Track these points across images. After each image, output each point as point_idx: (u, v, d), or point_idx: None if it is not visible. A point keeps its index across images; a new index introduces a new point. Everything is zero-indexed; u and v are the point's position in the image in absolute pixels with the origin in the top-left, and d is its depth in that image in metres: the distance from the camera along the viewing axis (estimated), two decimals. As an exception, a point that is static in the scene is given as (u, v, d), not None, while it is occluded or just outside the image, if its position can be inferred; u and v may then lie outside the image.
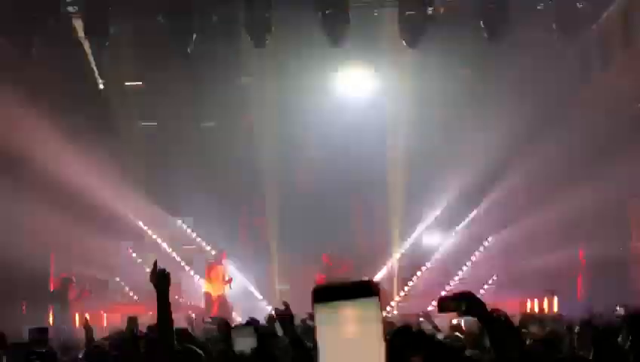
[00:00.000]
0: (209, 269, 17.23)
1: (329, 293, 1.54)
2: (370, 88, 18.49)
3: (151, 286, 4.73)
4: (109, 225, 17.55)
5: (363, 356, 1.51)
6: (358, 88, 18.49)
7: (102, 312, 16.64)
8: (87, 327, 8.10)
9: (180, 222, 19.35)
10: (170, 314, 4.76)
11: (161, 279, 4.76)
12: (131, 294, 18.20)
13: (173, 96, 18.09)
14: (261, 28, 14.73)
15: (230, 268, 17.64)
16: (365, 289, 1.53)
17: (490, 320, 3.55)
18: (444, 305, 3.55)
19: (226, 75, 17.75)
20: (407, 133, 17.36)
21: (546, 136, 16.39)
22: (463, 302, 3.46)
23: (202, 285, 17.65)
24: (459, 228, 19.10)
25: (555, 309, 15.68)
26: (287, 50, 16.91)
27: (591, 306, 13.78)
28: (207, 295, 16.97)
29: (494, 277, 18.04)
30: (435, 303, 10.94)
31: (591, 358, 5.12)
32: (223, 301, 16.77)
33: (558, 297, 16.00)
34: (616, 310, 12.12)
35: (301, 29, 15.95)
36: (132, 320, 9.19)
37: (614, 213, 15.79)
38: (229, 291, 16.95)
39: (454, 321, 7.49)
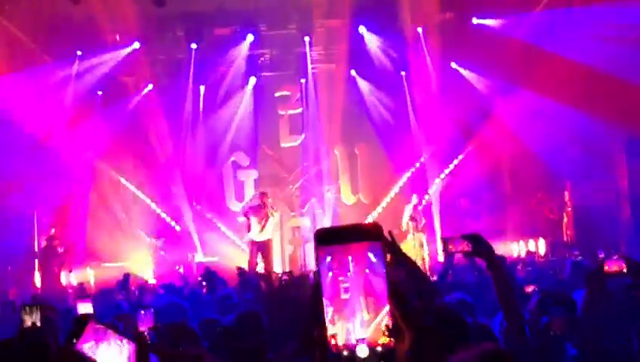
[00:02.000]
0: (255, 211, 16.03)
1: (332, 236, 1.47)
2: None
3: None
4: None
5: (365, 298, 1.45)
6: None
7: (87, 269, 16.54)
8: None
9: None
10: None
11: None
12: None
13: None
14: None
15: None
16: (369, 234, 1.46)
17: (496, 263, 3.51)
18: (451, 245, 3.50)
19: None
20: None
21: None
22: (471, 242, 3.42)
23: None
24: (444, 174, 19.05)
25: (542, 252, 15.78)
26: None
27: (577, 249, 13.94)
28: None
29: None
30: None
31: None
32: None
33: (545, 240, 16.07)
34: (599, 254, 12.28)
35: None
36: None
37: (602, 155, 15.82)
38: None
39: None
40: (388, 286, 1.48)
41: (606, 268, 4.90)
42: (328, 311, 1.46)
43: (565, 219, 16.53)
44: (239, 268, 11.65)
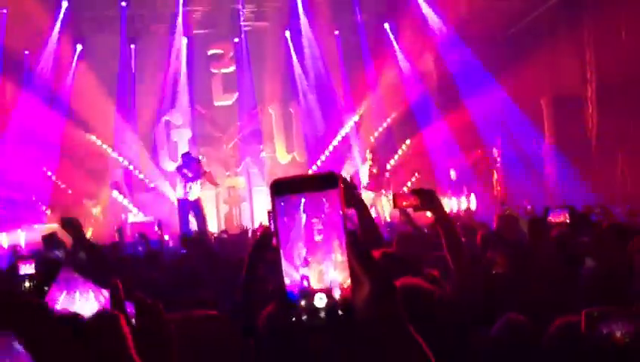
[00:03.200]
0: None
1: (288, 186, 1.51)
2: None
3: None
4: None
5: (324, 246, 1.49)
6: None
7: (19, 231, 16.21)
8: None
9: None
10: None
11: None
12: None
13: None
14: None
15: None
16: (326, 181, 1.50)
17: (446, 219, 3.61)
18: (401, 199, 3.58)
19: None
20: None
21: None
22: (421, 197, 3.50)
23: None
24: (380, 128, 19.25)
25: (473, 208, 16.19)
26: None
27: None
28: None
29: (414, 178, 18.26)
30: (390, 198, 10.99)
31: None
32: None
33: (475, 196, 16.48)
34: (526, 208, 12.70)
35: None
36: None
37: (529, 111, 16.25)
38: None
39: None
40: (346, 234, 1.53)
41: (550, 218, 5.07)
42: (301, 253, 1.53)
43: (495, 176, 16.96)
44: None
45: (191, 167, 15.02)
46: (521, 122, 16.81)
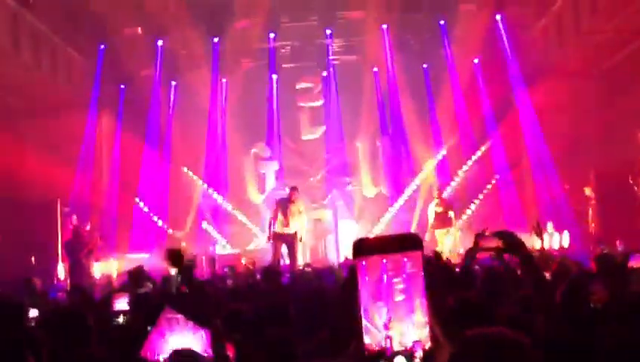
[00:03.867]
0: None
1: (370, 246, 1.49)
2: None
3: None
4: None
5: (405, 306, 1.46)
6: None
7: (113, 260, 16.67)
8: None
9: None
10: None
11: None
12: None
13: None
14: None
15: None
16: (408, 243, 1.48)
17: (529, 259, 3.49)
18: (482, 241, 3.48)
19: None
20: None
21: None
22: (502, 239, 3.39)
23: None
24: (466, 166, 18.95)
25: (566, 245, 15.67)
26: None
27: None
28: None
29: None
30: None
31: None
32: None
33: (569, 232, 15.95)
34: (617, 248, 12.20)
35: None
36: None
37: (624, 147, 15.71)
38: None
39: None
40: (427, 298, 1.50)
41: (631, 263, 4.89)
42: (382, 313, 1.49)
43: (590, 212, 16.42)
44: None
45: (295, 204, 14.86)
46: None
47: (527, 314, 3.82)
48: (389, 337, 1.47)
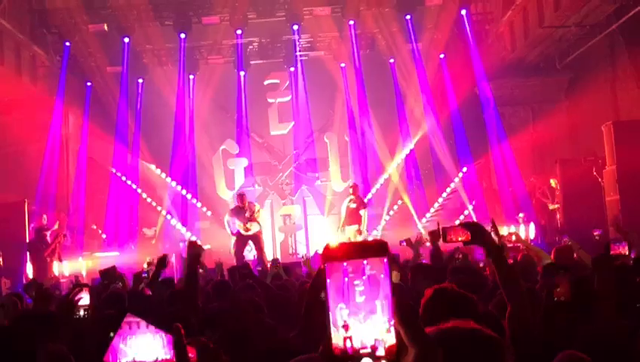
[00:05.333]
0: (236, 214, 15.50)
1: (336, 253, 1.57)
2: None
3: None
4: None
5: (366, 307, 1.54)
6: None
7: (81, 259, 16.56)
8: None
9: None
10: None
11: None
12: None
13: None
14: None
15: None
16: (375, 250, 1.56)
17: (497, 251, 3.55)
18: (450, 234, 3.55)
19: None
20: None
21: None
22: (471, 231, 3.46)
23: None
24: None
25: (532, 236, 15.90)
26: None
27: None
28: None
29: (472, 205, 18.05)
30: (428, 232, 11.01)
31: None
32: None
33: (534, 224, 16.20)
34: (594, 237, 12.41)
35: None
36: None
37: (590, 137, 15.97)
38: None
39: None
40: (393, 301, 1.58)
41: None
42: (343, 314, 1.56)
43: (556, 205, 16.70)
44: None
45: (236, 211, 15.20)
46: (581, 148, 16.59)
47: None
48: (348, 337, 1.55)
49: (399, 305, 1.56)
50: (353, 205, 16.04)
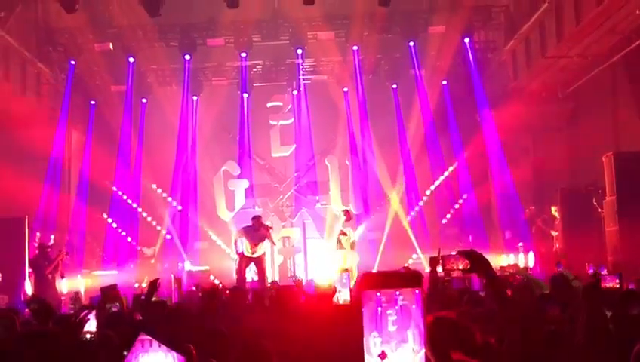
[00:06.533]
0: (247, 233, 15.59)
1: (373, 281, 1.63)
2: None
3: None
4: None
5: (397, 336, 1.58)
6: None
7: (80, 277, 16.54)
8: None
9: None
10: None
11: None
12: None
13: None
14: None
15: None
16: (408, 281, 1.61)
17: (494, 279, 3.57)
18: (448, 263, 3.59)
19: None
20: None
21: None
22: (470, 259, 3.48)
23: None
24: (432, 187, 19.13)
25: (531, 265, 15.90)
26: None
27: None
28: None
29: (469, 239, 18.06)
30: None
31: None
32: None
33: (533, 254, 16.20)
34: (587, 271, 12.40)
35: None
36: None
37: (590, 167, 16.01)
38: None
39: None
40: (425, 331, 1.64)
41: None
42: (376, 342, 1.62)
43: (554, 234, 16.73)
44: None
45: (259, 231, 15.27)
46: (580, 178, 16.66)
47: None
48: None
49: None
50: (346, 229, 16.08)
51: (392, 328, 1.62)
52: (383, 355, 1.59)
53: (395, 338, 1.61)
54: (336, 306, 7.34)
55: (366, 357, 1.62)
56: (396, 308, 1.63)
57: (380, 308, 1.63)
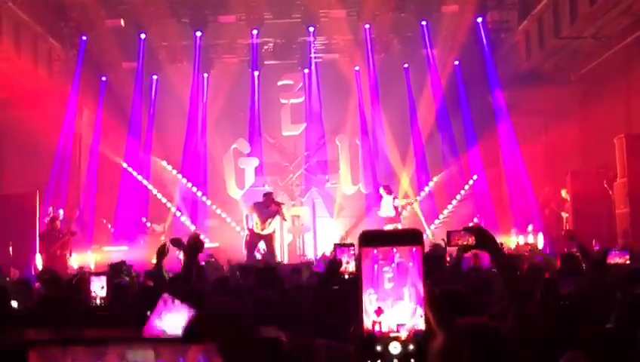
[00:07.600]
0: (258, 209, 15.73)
1: (372, 238, 1.63)
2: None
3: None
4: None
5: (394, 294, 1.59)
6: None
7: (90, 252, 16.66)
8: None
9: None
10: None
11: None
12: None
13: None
14: None
15: None
16: (406, 239, 1.61)
17: (498, 253, 3.60)
18: (455, 238, 3.60)
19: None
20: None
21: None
22: (475, 236, 3.51)
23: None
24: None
25: (540, 246, 15.90)
26: None
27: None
28: None
29: (476, 217, 18.02)
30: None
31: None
32: None
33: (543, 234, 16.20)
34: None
35: None
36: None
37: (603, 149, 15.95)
38: None
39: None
40: (425, 289, 1.64)
41: (609, 259, 5.01)
42: (372, 299, 1.61)
43: (565, 215, 16.69)
44: None
45: (269, 208, 15.36)
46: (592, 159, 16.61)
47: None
48: (377, 322, 1.61)
49: (429, 293, 1.61)
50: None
51: (388, 285, 1.62)
52: (379, 311, 1.60)
53: (391, 295, 1.62)
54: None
55: (363, 314, 1.63)
56: (393, 265, 1.63)
57: (376, 265, 1.63)
